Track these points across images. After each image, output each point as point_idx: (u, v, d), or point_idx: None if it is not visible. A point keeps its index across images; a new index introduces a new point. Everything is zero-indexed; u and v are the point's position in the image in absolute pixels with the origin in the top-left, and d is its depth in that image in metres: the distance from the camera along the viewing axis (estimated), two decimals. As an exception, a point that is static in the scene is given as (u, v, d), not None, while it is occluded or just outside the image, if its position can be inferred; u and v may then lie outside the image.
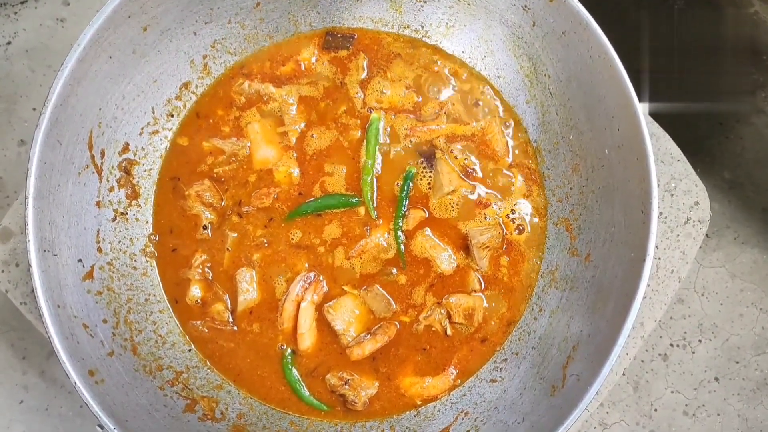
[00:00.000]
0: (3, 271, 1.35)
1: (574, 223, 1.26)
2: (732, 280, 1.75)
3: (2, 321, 1.63)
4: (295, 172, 1.28)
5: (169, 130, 1.30)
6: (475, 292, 1.27)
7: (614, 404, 1.68)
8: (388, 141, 1.30)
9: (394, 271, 1.26)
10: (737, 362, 1.72)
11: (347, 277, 1.26)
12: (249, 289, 1.25)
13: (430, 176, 1.29)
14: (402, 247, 1.26)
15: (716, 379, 1.70)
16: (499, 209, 1.29)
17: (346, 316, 1.23)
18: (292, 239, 1.27)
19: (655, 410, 1.68)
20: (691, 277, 1.73)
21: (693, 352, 1.71)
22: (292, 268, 1.26)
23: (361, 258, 1.26)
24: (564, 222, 1.28)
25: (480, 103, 1.33)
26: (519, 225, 1.30)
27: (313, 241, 1.27)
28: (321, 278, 1.26)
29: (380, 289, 1.26)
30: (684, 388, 1.69)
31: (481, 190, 1.30)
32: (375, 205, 1.27)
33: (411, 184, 1.28)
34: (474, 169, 1.30)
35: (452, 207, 1.28)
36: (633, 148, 1.10)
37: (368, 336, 1.23)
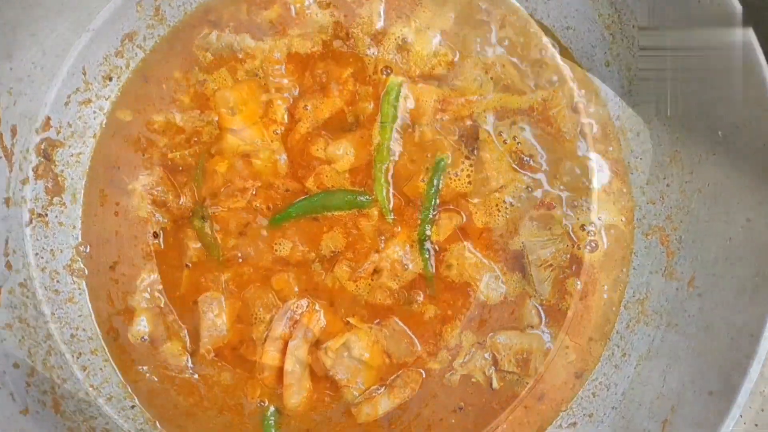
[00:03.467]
0: None
1: (672, 234, 1.12)
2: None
3: None
4: (282, 159, 1.16)
5: (106, 99, 1.18)
6: (533, 328, 1.13)
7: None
8: (411, 116, 1.16)
9: (420, 298, 1.13)
10: None
11: (353, 305, 1.13)
12: (216, 322, 1.13)
13: (470, 167, 1.14)
14: (430, 265, 1.11)
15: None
16: (567, 214, 1.15)
17: (351, 360, 1.11)
18: (278, 252, 1.14)
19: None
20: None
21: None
22: (278, 294, 1.14)
23: (372, 280, 1.13)
24: (658, 232, 1.14)
25: (540, 64, 1.19)
26: (594, 236, 1.15)
27: (307, 255, 1.14)
28: (317, 307, 1.13)
29: (399, 323, 1.13)
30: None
31: (542, 186, 1.16)
32: (392, 206, 1.14)
33: (442, 177, 1.14)
34: (531, 157, 1.15)
35: (501, 210, 1.14)
36: (760, 130, 0.94)
37: (382, 389, 1.12)
